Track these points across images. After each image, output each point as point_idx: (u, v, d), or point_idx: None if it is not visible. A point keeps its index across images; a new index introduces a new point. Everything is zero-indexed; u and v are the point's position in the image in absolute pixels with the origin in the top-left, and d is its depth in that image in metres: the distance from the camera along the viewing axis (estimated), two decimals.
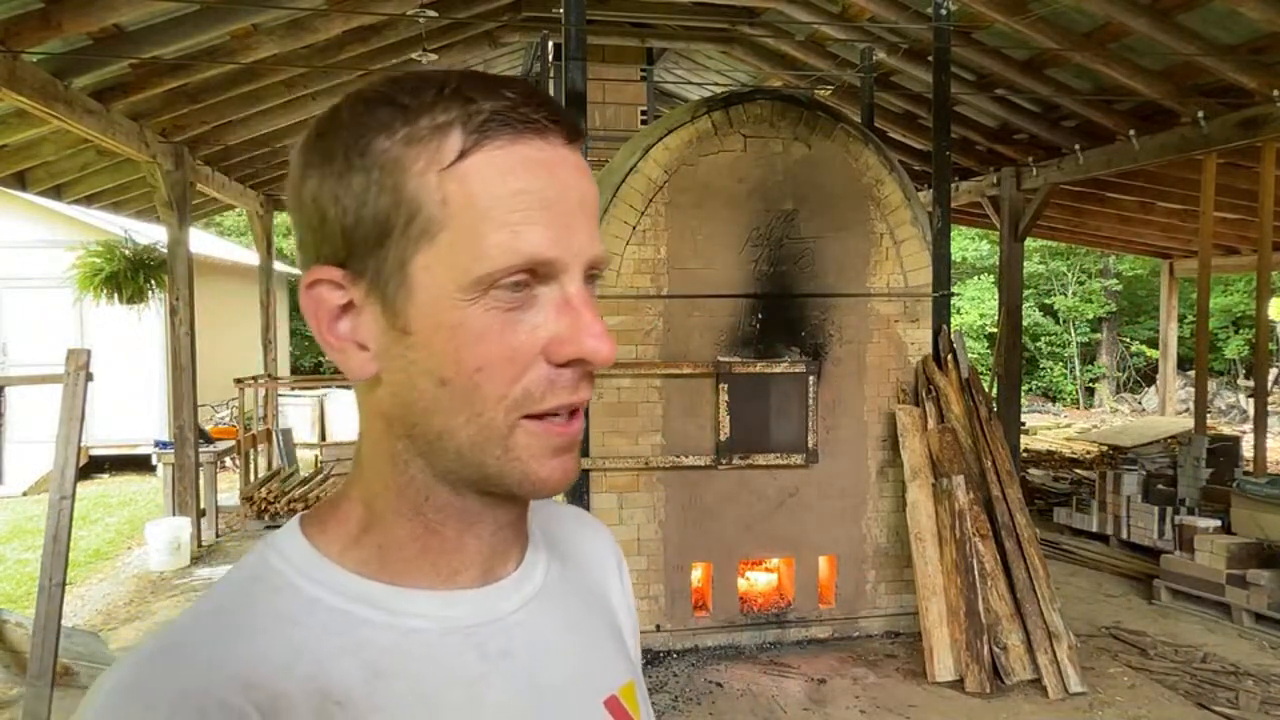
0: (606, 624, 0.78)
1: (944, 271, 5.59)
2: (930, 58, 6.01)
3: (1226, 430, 13.02)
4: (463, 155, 0.58)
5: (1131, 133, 7.35)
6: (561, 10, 5.26)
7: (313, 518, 0.66)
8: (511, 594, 0.68)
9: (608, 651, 0.75)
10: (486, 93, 0.59)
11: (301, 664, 0.58)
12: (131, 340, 10.59)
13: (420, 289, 0.59)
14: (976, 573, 4.91)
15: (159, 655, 0.57)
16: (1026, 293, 13.61)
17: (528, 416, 0.60)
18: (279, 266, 14.00)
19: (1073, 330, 19.80)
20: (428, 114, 0.59)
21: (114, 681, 0.56)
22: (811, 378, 5.36)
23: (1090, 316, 19.70)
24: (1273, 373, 15.34)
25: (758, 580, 5.72)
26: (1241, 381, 17.41)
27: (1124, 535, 7.10)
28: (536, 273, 0.59)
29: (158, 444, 8.71)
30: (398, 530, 0.64)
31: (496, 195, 0.58)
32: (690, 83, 10.35)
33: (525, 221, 0.58)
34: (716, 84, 9.62)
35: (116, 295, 8.16)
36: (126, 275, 8.08)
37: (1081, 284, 19.64)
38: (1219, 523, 6.04)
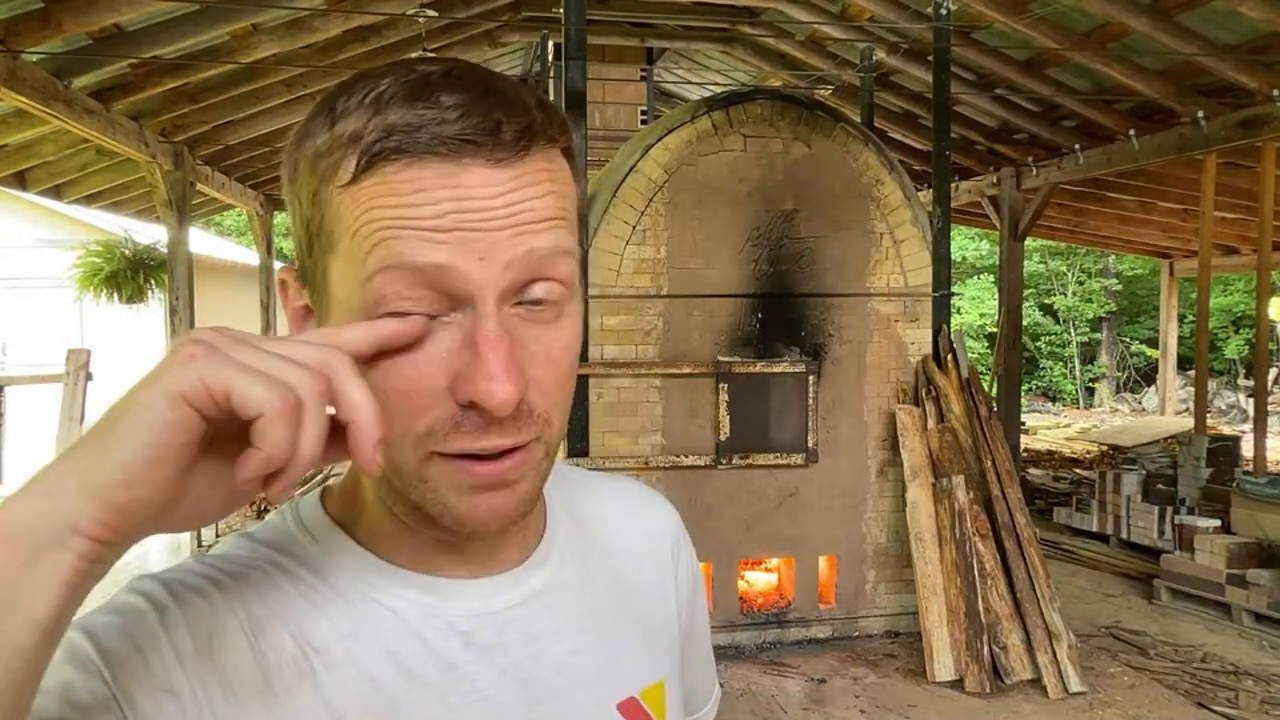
0: (639, 618, 0.74)
1: (944, 271, 5.59)
2: (930, 58, 6.01)
3: (1226, 430, 13.03)
4: (355, 177, 0.54)
5: (1131, 132, 7.35)
6: (561, 10, 5.26)
7: (330, 491, 0.68)
8: (508, 589, 0.66)
9: (632, 650, 0.72)
10: (403, 103, 0.53)
11: (284, 609, 0.60)
12: (132, 340, 10.60)
13: (333, 300, 0.57)
14: (976, 573, 4.91)
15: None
16: (1026, 293, 13.60)
17: (438, 454, 0.56)
18: (279, 266, 13.99)
19: (1073, 330, 19.81)
20: (342, 122, 0.55)
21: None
22: (811, 378, 5.36)
23: (1090, 316, 19.71)
24: (1273, 372, 15.34)
25: (757, 580, 5.72)
26: (1241, 381, 17.41)
27: (1124, 535, 7.10)
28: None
29: None
30: (380, 521, 0.64)
31: (383, 221, 0.53)
32: (690, 83, 10.35)
33: (412, 252, 0.53)
34: (716, 84, 9.62)
35: (116, 295, 8.17)
36: (126, 275, 8.10)
37: (1081, 284, 19.65)
38: (1219, 522, 6.04)
